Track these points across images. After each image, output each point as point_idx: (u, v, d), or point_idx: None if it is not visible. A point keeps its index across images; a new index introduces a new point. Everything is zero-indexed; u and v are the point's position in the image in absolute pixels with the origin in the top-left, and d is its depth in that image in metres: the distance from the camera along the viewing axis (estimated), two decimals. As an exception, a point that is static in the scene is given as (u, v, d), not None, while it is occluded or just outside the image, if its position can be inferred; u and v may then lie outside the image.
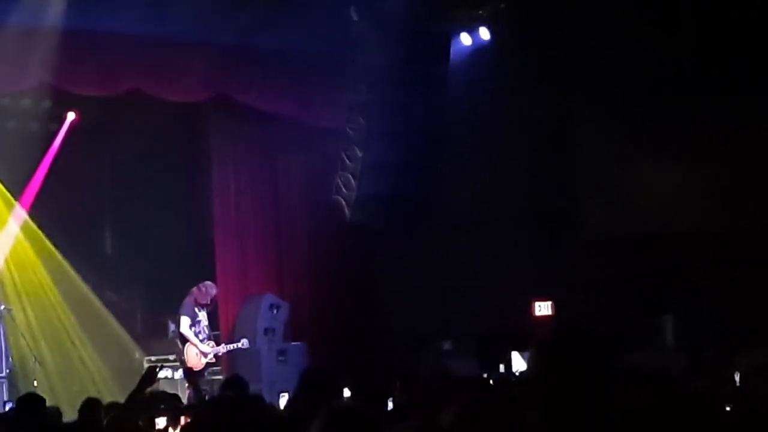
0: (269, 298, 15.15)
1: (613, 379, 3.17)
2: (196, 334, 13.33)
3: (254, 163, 15.85)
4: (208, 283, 13.53)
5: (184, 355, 13.34)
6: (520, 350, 13.49)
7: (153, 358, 13.73)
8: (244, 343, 13.74)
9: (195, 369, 13.33)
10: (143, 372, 11.26)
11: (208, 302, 13.46)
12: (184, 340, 13.32)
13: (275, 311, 15.07)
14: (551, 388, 3.10)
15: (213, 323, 14.85)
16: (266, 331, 14.92)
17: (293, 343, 15.03)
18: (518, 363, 13.45)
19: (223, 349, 13.67)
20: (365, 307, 16.05)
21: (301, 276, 15.88)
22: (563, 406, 3.09)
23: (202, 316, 13.42)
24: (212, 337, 13.55)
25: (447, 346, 15.00)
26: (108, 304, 15.22)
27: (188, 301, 13.36)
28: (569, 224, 15.23)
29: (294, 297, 15.53)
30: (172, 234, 15.29)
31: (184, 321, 13.28)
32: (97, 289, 15.33)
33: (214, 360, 13.52)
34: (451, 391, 5.72)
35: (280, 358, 14.73)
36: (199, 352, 13.32)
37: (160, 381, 12.68)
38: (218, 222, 15.62)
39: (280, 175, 15.99)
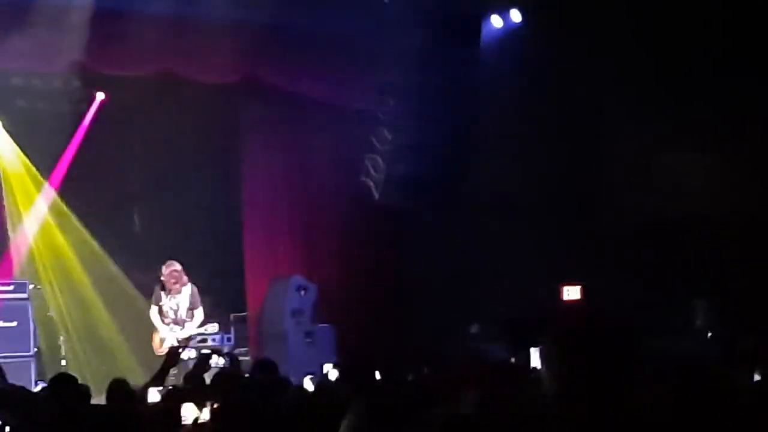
0: (297, 279, 15.11)
1: (640, 367, 3.14)
2: (162, 320, 13.01)
3: (284, 145, 15.79)
4: (168, 263, 13.01)
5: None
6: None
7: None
8: (209, 327, 13.21)
9: (158, 354, 12.84)
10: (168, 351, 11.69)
11: (173, 282, 12.93)
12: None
13: (303, 293, 15.04)
14: (575, 380, 3.08)
15: (240, 304, 15.12)
16: (294, 312, 14.89)
17: (321, 325, 14.98)
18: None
19: (185, 332, 13.06)
20: (393, 290, 15.96)
21: (329, 258, 15.81)
22: (587, 398, 3.07)
23: (167, 300, 13.00)
24: (181, 321, 13.06)
25: (475, 329, 14.84)
26: (136, 284, 15.13)
27: (156, 287, 13.11)
28: (599, 208, 15.08)
29: (322, 279, 15.44)
30: (200, 214, 15.28)
31: (152, 309, 13.05)
32: (125, 269, 15.31)
33: (178, 343, 12.80)
34: (481, 375, 5.74)
35: (308, 339, 14.73)
36: (161, 338, 13.01)
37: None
38: (247, 203, 15.63)
39: (309, 156, 15.90)
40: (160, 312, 13.04)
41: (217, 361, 11.27)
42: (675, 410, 3.52)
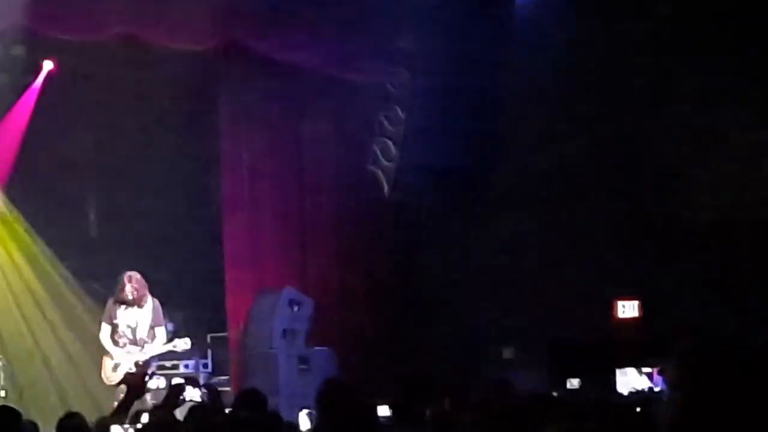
0: (289, 292, 14.45)
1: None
2: (116, 342, 11.99)
3: (273, 127, 15.01)
4: (129, 273, 12.08)
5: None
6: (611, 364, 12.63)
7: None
8: (178, 344, 12.16)
9: (109, 383, 11.99)
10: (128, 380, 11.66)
11: (132, 297, 11.95)
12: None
13: (296, 309, 14.40)
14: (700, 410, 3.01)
15: (219, 322, 14.60)
16: (285, 333, 14.32)
17: (317, 348, 14.43)
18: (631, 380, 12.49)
19: (146, 354, 12.05)
20: (406, 305, 15.23)
21: (328, 266, 15.18)
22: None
23: (124, 316, 12.02)
24: (140, 342, 12.06)
25: (507, 354, 14.52)
26: (92, 299, 13.99)
27: (108, 302, 12.16)
28: (655, 206, 14.26)
29: (319, 291, 14.81)
30: (170, 213, 14.46)
31: (103, 329, 12.04)
32: (78, 281, 14.25)
33: (138, 368, 11.97)
34: (515, 410, 5.60)
35: (302, 366, 14.22)
36: (115, 363, 12.02)
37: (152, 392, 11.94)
38: (228, 199, 14.96)
39: (304, 141, 15.24)
40: (114, 332, 12.14)
41: (191, 394, 10.98)
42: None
